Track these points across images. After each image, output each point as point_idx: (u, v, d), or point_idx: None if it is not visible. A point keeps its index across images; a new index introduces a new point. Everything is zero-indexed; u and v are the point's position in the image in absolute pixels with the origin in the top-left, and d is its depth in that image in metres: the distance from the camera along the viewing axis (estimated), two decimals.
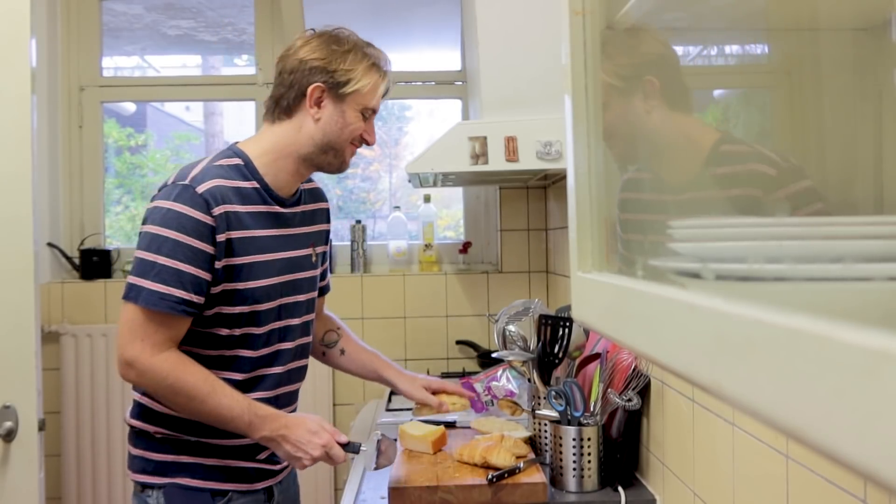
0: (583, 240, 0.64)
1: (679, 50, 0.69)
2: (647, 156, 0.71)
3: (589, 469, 1.53)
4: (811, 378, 0.27)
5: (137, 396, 1.45)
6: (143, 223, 1.37)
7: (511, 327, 1.88)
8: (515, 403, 1.88)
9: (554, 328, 1.74)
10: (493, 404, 2.05)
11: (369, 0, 2.97)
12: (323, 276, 1.68)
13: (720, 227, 0.47)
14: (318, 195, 1.61)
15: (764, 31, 0.56)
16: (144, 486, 1.42)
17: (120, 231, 3.11)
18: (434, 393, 1.63)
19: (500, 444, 1.57)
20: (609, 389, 1.56)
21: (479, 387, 2.08)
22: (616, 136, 0.67)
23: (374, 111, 1.49)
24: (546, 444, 1.72)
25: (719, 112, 0.63)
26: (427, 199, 2.88)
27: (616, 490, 1.52)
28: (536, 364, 1.78)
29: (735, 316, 0.33)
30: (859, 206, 0.47)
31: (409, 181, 2.32)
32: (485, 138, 1.93)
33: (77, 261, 2.82)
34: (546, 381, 1.76)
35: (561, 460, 1.54)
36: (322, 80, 1.42)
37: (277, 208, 1.45)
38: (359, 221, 2.90)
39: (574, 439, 1.53)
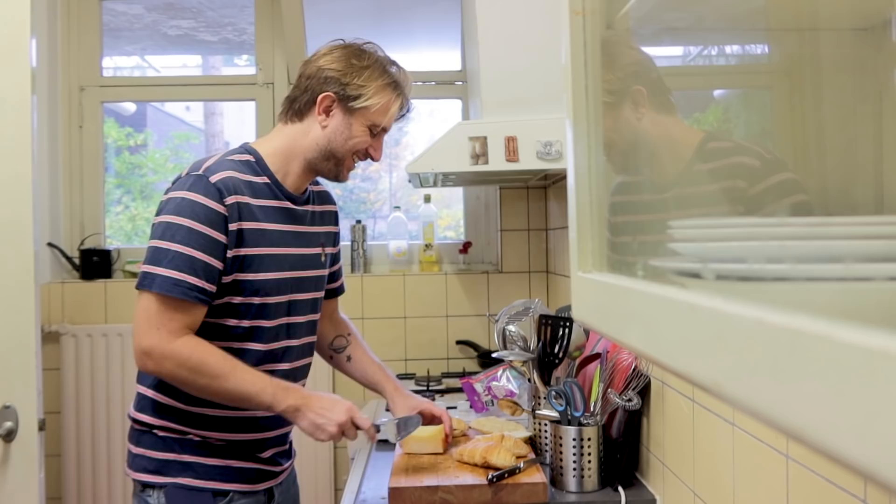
0: (583, 240, 0.64)
1: (679, 50, 0.69)
2: (641, 161, 0.71)
3: (589, 469, 1.53)
4: (811, 378, 0.27)
5: (143, 389, 1.45)
6: (157, 214, 1.38)
7: (511, 327, 1.88)
8: (515, 403, 1.88)
9: (554, 328, 1.74)
10: (493, 404, 2.05)
11: (369, 0, 2.97)
12: (336, 277, 1.70)
13: (720, 227, 0.47)
14: (326, 198, 1.65)
15: (764, 31, 0.56)
16: (145, 486, 1.42)
17: (120, 231, 3.11)
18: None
19: (500, 444, 1.57)
20: (609, 389, 1.56)
21: (479, 387, 2.09)
22: (614, 148, 0.68)
23: (385, 129, 1.52)
24: (546, 444, 1.72)
25: (720, 112, 0.63)
26: (427, 199, 2.88)
27: (616, 490, 1.52)
28: (536, 364, 1.78)
29: (735, 316, 0.33)
30: (859, 207, 0.47)
31: (410, 181, 2.32)
32: (485, 138, 1.93)
33: (77, 261, 2.82)
34: (546, 381, 1.76)
35: (561, 460, 1.54)
36: (334, 90, 1.45)
37: (289, 204, 1.49)
38: (359, 221, 2.90)
39: (574, 439, 1.53)
